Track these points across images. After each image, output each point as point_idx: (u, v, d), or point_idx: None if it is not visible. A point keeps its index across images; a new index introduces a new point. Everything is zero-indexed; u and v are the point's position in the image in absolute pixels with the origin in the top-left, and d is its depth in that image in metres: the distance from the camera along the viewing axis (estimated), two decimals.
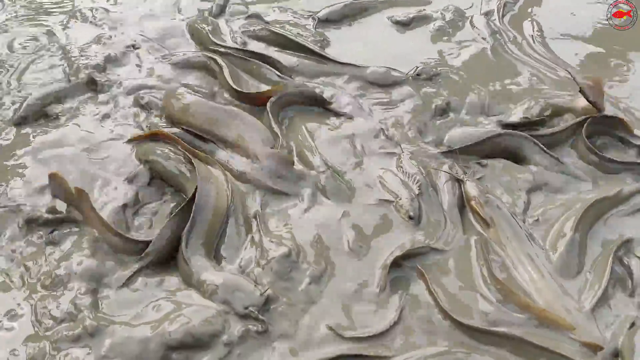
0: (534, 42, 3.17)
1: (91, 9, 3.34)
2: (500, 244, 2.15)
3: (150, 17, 3.28)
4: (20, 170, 2.41)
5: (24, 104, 2.67)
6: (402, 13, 3.31)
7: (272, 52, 3.01)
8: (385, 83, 2.85)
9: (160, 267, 2.07)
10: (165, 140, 2.45)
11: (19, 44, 3.10)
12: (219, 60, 2.84)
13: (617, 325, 1.93)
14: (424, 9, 3.36)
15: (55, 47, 3.07)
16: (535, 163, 2.44)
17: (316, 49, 2.99)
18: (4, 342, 1.88)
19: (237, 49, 2.98)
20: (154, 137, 2.48)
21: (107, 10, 3.33)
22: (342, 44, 3.13)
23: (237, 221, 2.19)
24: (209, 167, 2.34)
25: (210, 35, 3.03)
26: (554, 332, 1.88)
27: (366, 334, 1.89)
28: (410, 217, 2.23)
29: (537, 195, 2.35)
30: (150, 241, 2.07)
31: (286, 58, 2.96)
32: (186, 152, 2.36)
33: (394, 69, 2.88)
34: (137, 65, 2.95)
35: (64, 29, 3.21)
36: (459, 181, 2.36)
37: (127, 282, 2.02)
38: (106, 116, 2.66)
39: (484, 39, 3.18)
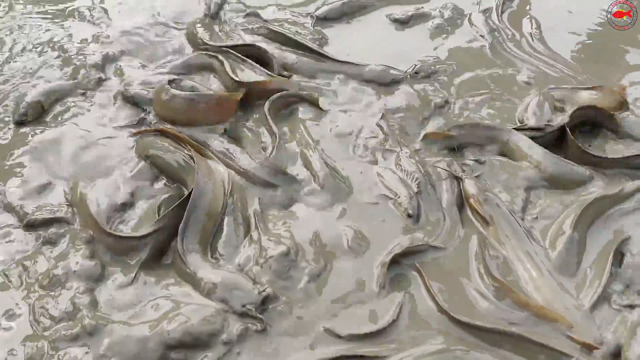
0: (532, 39, 3.16)
1: (89, 8, 3.34)
2: (499, 241, 2.15)
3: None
4: (19, 170, 2.40)
5: (24, 102, 2.66)
6: (400, 11, 3.31)
7: (273, 48, 3.00)
8: (383, 81, 2.84)
9: (159, 266, 2.08)
10: (169, 137, 2.45)
11: (17, 42, 3.10)
12: (220, 56, 2.85)
13: (617, 324, 1.92)
14: (422, 7, 3.36)
15: (53, 45, 3.07)
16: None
17: (315, 47, 2.99)
18: (2, 342, 1.88)
19: (230, 46, 2.97)
20: (157, 132, 2.49)
21: (105, 10, 3.33)
22: (341, 42, 3.13)
23: (235, 219, 2.19)
24: (210, 164, 2.34)
25: (201, 38, 3.03)
26: (552, 329, 1.87)
27: (364, 332, 1.89)
28: (409, 215, 2.22)
29: (536, 192, 2.35)
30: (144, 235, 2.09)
31: (285, 55, 2.95)
32: (189, 148, 2.36)
33: (392, 67, 2.88)
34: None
35: (62, 28, 3.21)
36: (458, 179, 2.35)
37: (136, 276, 2.03)
38: (104, 115, 2.66)
39: (482, 36, 3.17)
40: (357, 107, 2.71)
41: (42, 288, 2.00)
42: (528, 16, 3.33)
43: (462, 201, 2.31)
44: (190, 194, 2.16)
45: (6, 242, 2.16)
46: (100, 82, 2.81)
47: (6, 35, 3.16)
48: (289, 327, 1.91)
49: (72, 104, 2.70)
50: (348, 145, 2.52)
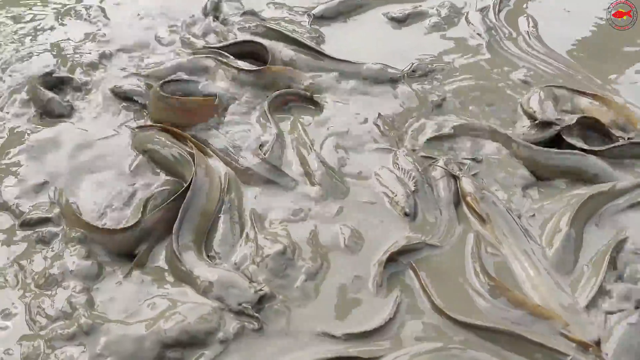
0: (529, 37, 3.17)
1: (86, 7, 3.34)
2: (496, 240, 2.15)
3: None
4: (15, 169, 2.40)
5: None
6: (397, 9, 3.31)
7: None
8: (380, 80, 2.84)
9: (156, 265, 2.07)
10: (170, 133, 2.46)
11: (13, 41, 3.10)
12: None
13: (613, 322, 1.92)
14: (420, 5, 3.37)
15: (49, 43, 3.07)
16: None
17: (312, 45, 2.99)
18: None
19: (227, 45, 2.98)
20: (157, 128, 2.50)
21: (102, 9, 3.33)
22: (338, 40, 3.13)
23: (232, 218, 2.19)
24: (208, 161, 2.35)
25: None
26: (549, 328, 1.87)
27: (361, 331, 1.88)
28: (406, 214, 2.22)
29: (533, 190, 2.35)
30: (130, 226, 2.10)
31: (283, 51, 2.95)
32: (191, 145, 2.37)
33: (389, 66, 2.88)
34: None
35: (59, 26, 3.21)
36: (455, 177, 2.35)
37: (137, 265, 2.05)
38: (101, 114, 2.65)
39: (479, 35, 3.17)
40: (354, 106, 2.71)
41: (39, 287, 2.00)
42: (525, 14, 3.34)
43: (459, 199, 2.30)
44: (186, 188, 2.16)
45: (2, 241, 2.15)
46: (96, 81, 2.80)
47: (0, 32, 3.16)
48: (286, 326, 1.90)
49: (69, 102, 2.70)
50: (344, 144, 2.52)
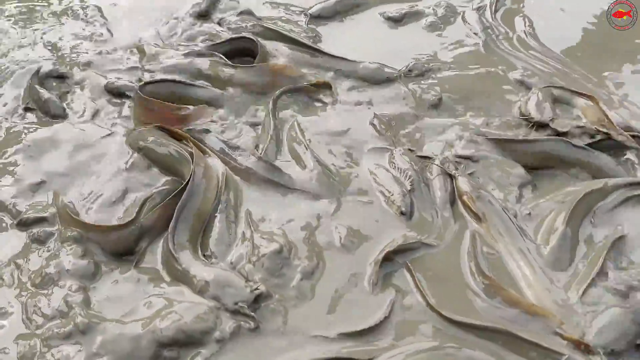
0: (526, 36, 3.17)
1: (82, 7, 3.34)
2: (492, 239, 2.16)
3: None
4: (11, 168, 2.40)
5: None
6: (394, 9, 3.31)
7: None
8: (377, 79, 2.85)
9: (152, 264, 2.08)
10: (168, 132, 2.46)
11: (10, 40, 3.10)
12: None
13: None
14: (416, 5, 3.35)
15: (46, 42, 3.07)
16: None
17: (309, 43, 3.00)
18: None
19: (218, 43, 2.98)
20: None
21: (98, 8, 3.33)
22: (334, 40, 3.13)
23: (228, 217, 2.19)
24: (206, 160, 2.35)
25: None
26: (544, 326, 1.87)
27: (356, 330, 1.88)
28: (402, 213, 2.23)
29: (529, 189, 2.36)
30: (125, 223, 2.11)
31: (279, 48, 2.96)
32: (190, 144, 2.37)
33: (386, 65, 2.88)
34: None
35: (56, 25, 3.21)
36: (451, 176, 2.36)
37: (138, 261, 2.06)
38: (98, 113, 2.66)
39: (476, 34, 3.18)
40: (350, 105, 2.71)
41: (35, 286, 2.00)
42: (521, 14, 3.34)
43: (455, 198, 2.31)
44: (184, 187, 2.17)
45: None
46: (92, 79, 2.80)
47: None
48: (282, 325, 1.91)
49: (65, 101, 2.70)
50: (341, 143, 2.52)
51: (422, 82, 2.85)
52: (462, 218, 2.25)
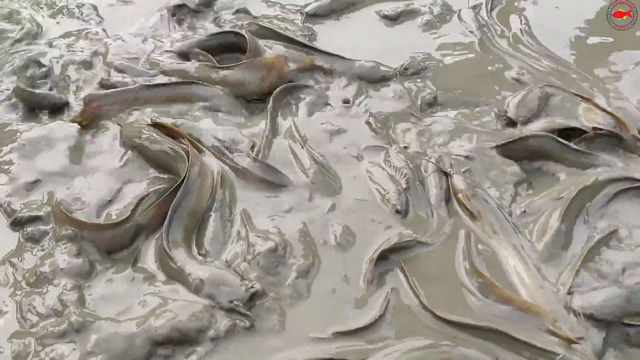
0: (522, 35, 3.17)
1: (78, 5, 3.33)
2: (486, 236, 2.16)
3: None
4: (6, 167, 2.39)
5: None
6: (390, 7, 3.32)
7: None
8: (373, 77, 2.85)
9: (147, 263, 2.07)
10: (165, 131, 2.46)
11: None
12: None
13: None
14: (412, 3, 3.37)
15: (43, 41, 3.06)
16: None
17: (305, 41, 3.00)
18: None
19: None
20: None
21: (94, 7, 3.33)
22: (330, 38, 3.14)
23: (223, 216, 2.19)
24: (202, 158, 2.35)
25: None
26: (538, 324, 1.88)
27: (351, 329, 1.88)
28: (398, 211, 2.23)
29: (525, 187, 2.36)
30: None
31: (274, 47, 2.96)
32: (187, 142, 2.37)
33: (382, 64, 2.88)
34: None
35: (52, 24, 3.21)
36: (446, 174, 2.36)
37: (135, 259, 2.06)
38: None
39: (471, 32, 3.18)
40: (346, 104, 2.71)
41: (29, 285, 1.99)
42: (517, 12, 3.34)
43: (450, 196, 2.31)
44: (179, 185, 2.17)
45: None
46: (89, 79, 2.80)
47: None
48: (277, 323, 1.90)
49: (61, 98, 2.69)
50: (337, 141, 2.52)
51: (418, 80, 2.86)
52: (457, 216, 2.25)
